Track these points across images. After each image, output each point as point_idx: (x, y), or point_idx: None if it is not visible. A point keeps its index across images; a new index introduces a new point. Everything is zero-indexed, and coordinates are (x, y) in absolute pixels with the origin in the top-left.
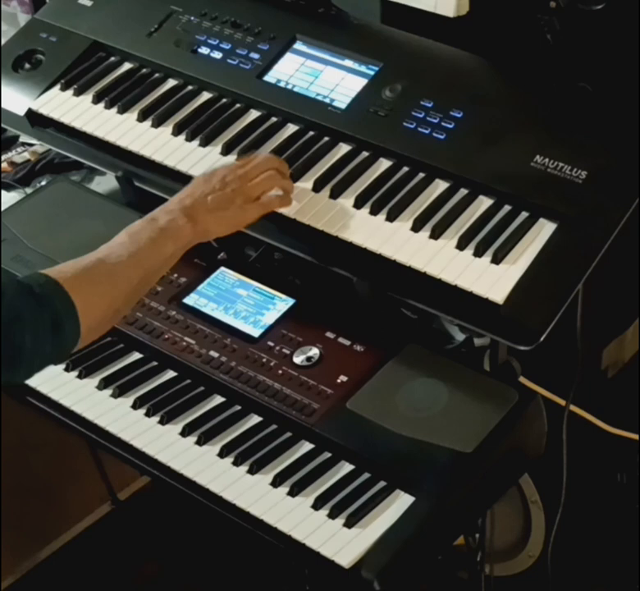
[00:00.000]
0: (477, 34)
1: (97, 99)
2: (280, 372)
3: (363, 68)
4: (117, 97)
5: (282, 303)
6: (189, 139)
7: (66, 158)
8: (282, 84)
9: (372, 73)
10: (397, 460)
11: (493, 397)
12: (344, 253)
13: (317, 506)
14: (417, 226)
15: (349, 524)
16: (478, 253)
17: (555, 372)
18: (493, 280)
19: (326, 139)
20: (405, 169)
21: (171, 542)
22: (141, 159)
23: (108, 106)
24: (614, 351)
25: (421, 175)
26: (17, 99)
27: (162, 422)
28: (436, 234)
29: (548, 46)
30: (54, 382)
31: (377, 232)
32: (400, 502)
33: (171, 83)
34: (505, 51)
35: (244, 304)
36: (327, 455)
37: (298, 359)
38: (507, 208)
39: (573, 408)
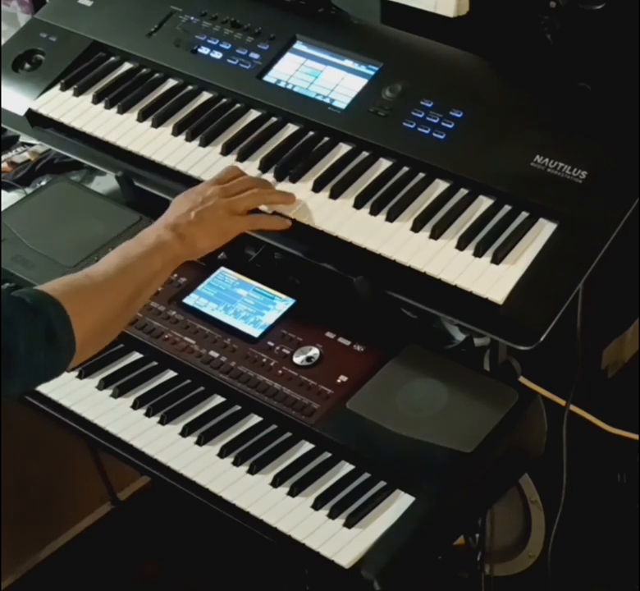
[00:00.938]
0: (477, 34)
1: (97, 99)
2: (280, 372)
3: (363, 68)
4: (117, 97)
5: (282, 303)
6: (189, 139)
7: (66, 158)
8: (282, 84)
9: (372, 73)
10: (397, 460)
11: (493, 397)
12: (344, 253)
13: (317, 506)
14: (417, 226)
15: (349, 524)
16: (478, 253)
17: (555, 372)
18: (493, 280)
19: (326, 139)
20: (405, 169)
21: (171, 542)
22: (141, 159)
23: (108, 106)
24: (614, 351)
25: (421, 175)
26: (17, 99)
27: (162, 422)
28: (436, 234)
29: (548, 46)
30: (54, 382)
31: (377, 232)
32: (400, 502)
33: (171, 83)
34: (505, 51)
35: (244, 304)
36: (327, 455)
37: (298, 359)
38: (507, 208)
39: (573, 408)
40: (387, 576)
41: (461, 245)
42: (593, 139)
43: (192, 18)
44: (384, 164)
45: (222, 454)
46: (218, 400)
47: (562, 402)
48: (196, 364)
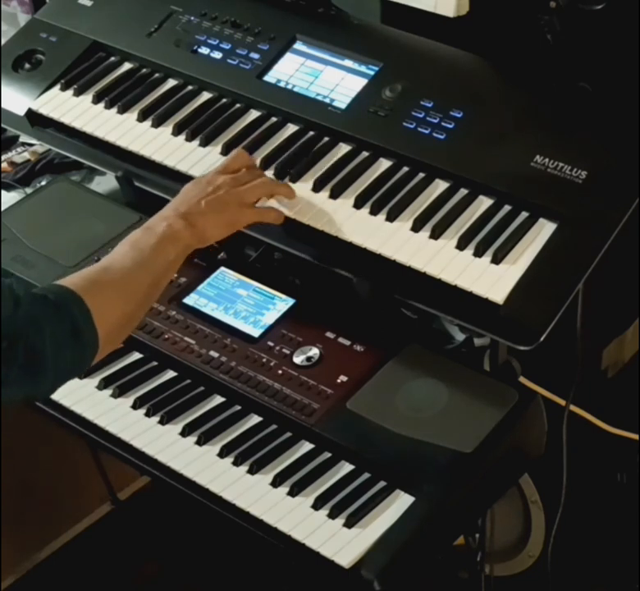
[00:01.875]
0: (477, 34)
1: (97, 99)
2: (280, 372)
3: (363, 68)
4: (117, 97)
5: (282, 303)
6: (189, 139)
7: (66, 158)
8: (282, 84)
9: (372, 73)
10: (397, 460)
11: (493, 397)
12: (344, 253)
13: (317, 506)
14: (417, 226)
15: (349, 524)
16: (478, 253)
17: (555, 372)
18: (493, 280)
19: (326, 139)
20: (405, 169)
21: (171, 542)
22: (141, 159)
23: (108, 106)
24: (614, 351)
25: (421, 175)
26: (17, 99)
27: (162, 422)
28: (436, 234)
29: (548, 46)
30: None
31: (377, 232)
32: (400, 502)
33: (171, 83)
34: (505, 51)
35: (244, 304)
36: (327, 455)
37: (298, 359)
38: (507, 208)
39: (573, 408)
40: (387, 576)
41: (461, 245)
42: (593, 139)
43: (192, 18)
44: (384, 164)
45: (222, 454)
46: (218, 400)
47: (562, 402)
48: (196, 364)
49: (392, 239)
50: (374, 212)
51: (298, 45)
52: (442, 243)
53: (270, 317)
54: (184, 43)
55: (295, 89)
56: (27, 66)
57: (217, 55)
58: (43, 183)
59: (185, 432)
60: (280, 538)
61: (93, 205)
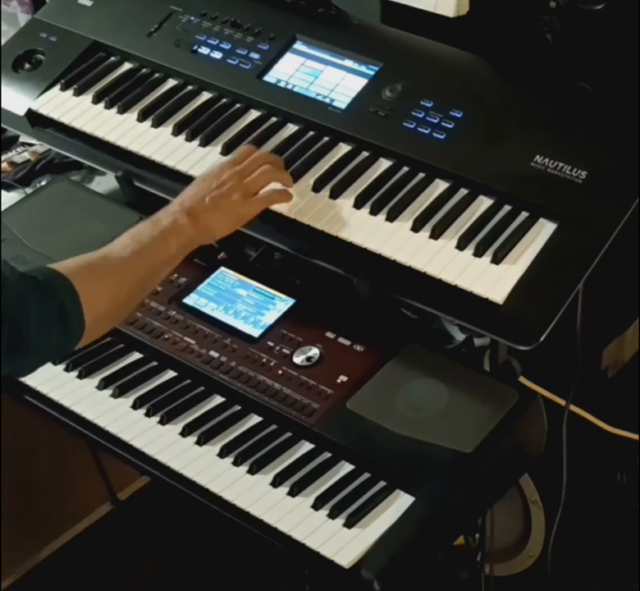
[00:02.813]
0: (477, 34)
1: (97, 99)
2: (280, 372)
3: (363, 68)
4: (117, 97)
5: (282, 303)
6: (189, 139)
7: (66, 158)
8: (282, 84)
9: (372, 73)
10: (397, 460)
11: (493, 397)
12: (344, 253)
13: (317, 506)
14: (417, 226)
15: (349, 524)
16: (478, 253)
17: (555, 372)
18: (493, 280)
19: (326, 139)
20: (405, 169)
21: (171, 542)
22: (141, 159)
23: (108, 106)
24: (614, 351)
25: (421, 175)
26: (17, 99)
27: (162, 422)
28: (436, 234)
29: (548, 46)
30: (54, 382)
31: (377, 232)
32: (400, 502)
33: (171, 83)
34: (505, 51)
35: (244, 304)
36: (327, 455)
37: (298, 359)
38: (507, 208)
39: (573, 408)
40: (387, 576)
41: (461, 245)
42: (593, 139)
43: (192, 18)
44: (384, 164)
45: (222, 454)
46: (218, 400)
47: (562, 402)
48: (196, 364)
49: (392, 239)
50: (374, 212)
51: (298, 45)
52: (442, 243)
53: (270, 317)
54: (184, 43)
55: (295, 89)
56: (27, 66)
57: (217, 55)
58: (43, 183)
59: (185, 433)
60: (280, 538)
61: (93, 205)
